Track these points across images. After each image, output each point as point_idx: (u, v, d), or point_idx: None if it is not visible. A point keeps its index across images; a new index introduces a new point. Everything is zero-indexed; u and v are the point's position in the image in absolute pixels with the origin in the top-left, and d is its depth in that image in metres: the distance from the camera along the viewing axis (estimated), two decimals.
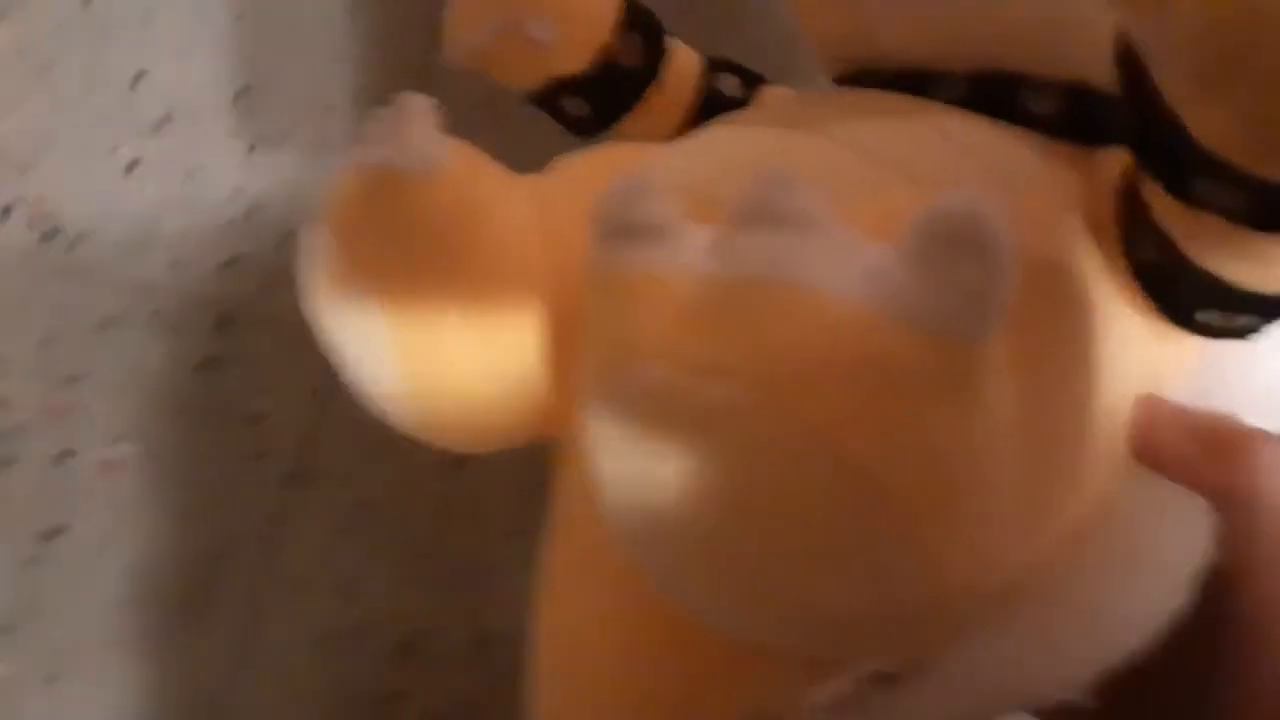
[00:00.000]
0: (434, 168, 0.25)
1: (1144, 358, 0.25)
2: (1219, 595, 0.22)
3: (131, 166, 0.58)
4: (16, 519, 0.57)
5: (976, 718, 0.22)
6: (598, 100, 0.32)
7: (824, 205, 0.18)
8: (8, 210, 0.56)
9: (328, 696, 0.60)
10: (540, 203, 0.28)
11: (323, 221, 0.26)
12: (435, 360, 0.26)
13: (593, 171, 0.29)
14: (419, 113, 0.26)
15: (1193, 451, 0.24)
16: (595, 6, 0.32)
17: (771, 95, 0.35)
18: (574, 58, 0.31)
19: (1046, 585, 0.21)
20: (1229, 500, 0.23)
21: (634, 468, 0.19)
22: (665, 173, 0.25)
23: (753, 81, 0.36)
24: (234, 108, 0.59)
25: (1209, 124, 0.17)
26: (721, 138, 0.27)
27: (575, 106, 0.33)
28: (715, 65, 0.36)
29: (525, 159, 0.30)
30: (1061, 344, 0.22)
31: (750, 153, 0.25)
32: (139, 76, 0.58)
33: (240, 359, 0.60)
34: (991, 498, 0.18)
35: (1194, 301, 0.22)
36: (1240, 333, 0.23)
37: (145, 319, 0.58)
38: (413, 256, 0.25)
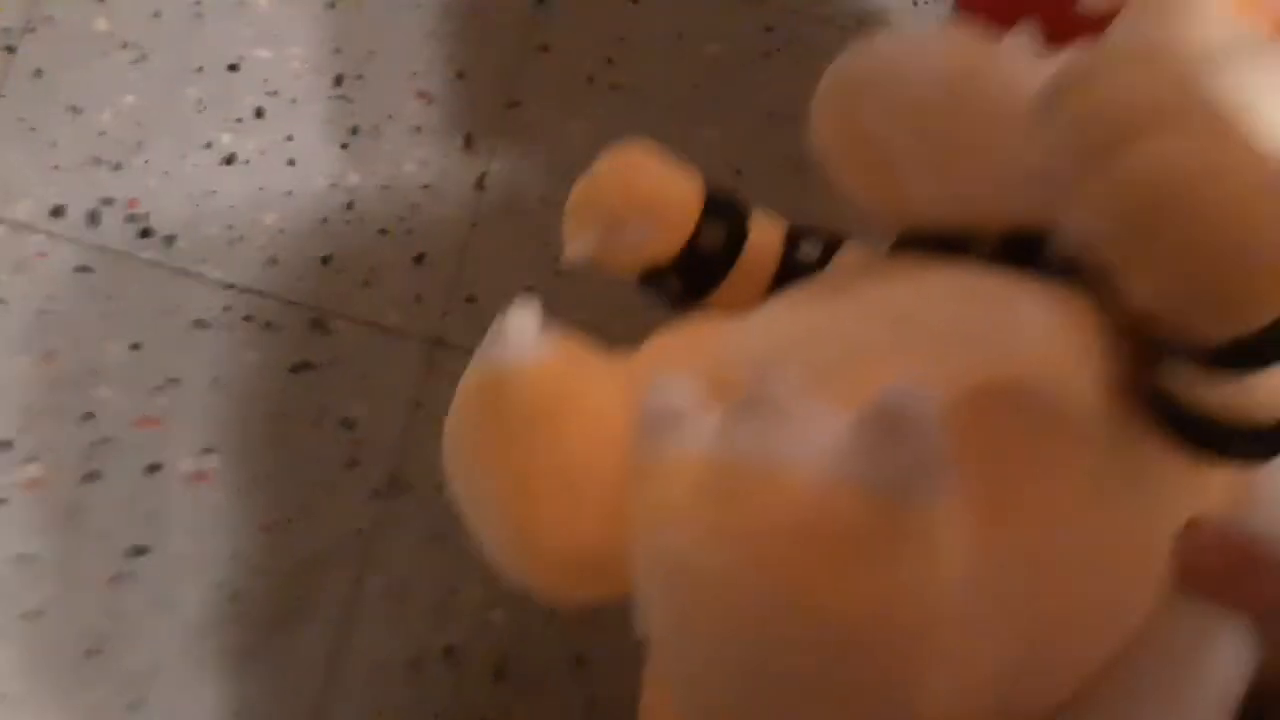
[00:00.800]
0: (530, 363, 0.29)
1: (1188, 488, 0.27)
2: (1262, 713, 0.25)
3: (229, 159, 0.56)
4: (103, 535, 0.54)
5: None
6: (690, 280, 0.37)
7: (806, 394, 0.21)
8: (101, 209, 0.54)
9: (419, 718, 0.56)
10: (630, 378, 0.31)
11: (452, 409, 0.31)
12: (534, 525, 0.30)
13: (673, 348, 0.33)
14: (524, 316, 0.31)
15: (1231, 573, 0.26)
16: (680, 205, 0.37)
17: (844, 259, 0.39)
18: (666, 248, 0.37)
19: (1091, 708, 0.25)
20: (1270, 620, 0.25)
21: (665, 619, 0.23)
22: (727, 350, 0.31)
23: (832, 244, 0.39)
24: (330, 96, 0.57)
25: (1139, 294, 0.21)
26: (781, 314, 0.32)
27: (672, 286, 0.38)
28: (796, 234, 0.40)
29: None
30: (1053, 490, 0.25)
31: (800, 328, 0.30)
32: (235, 65, 0.56)
33: (334, 362, 0.57)
34: (956, 634, 0.21)
35: (1218, 438, 0.25)
36: (1259, 459, 0.26)
37: (238, 320, 0.56)
38: (512, 438, 0.29)
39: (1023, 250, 0.28)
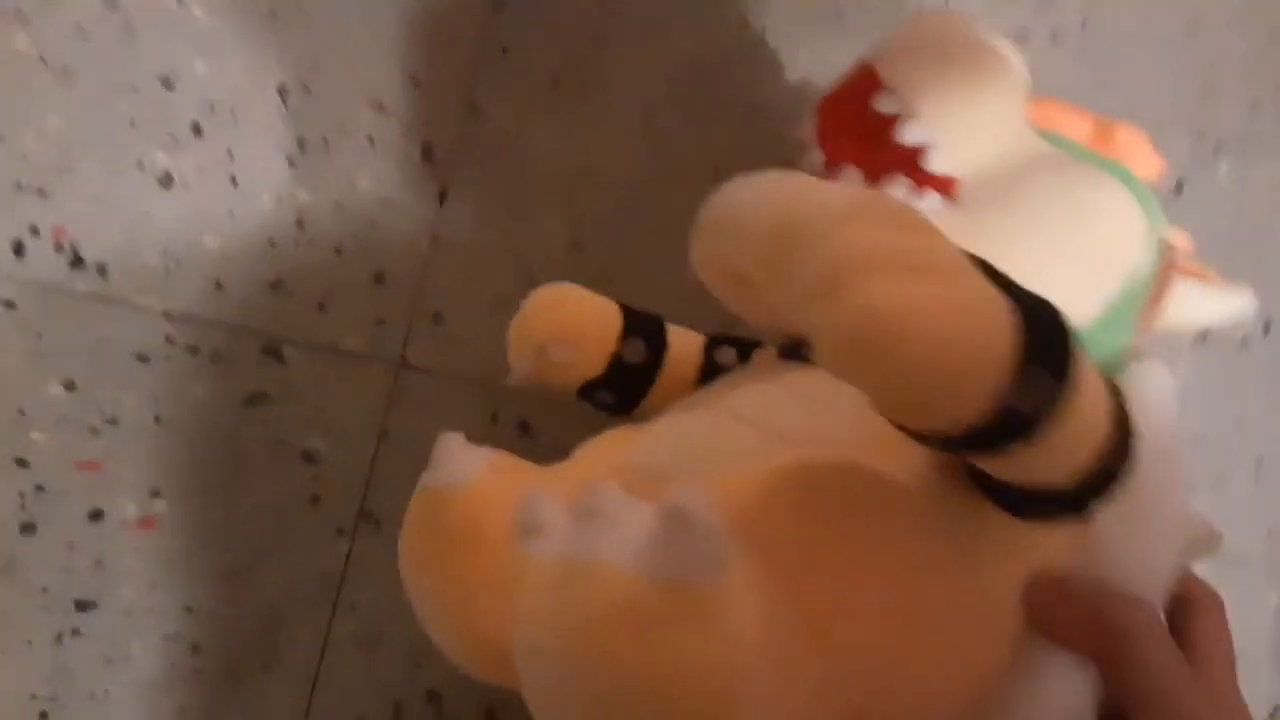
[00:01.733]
0: (462, 482, 0.34)
1: (1031, 544, 0.31)
2: None
3: (165, 180, 0.52)
4: (45, 590, 0.50)
5: None
6: (620, 391, 0.43)
7: (625, 502, 0.25)
8: (27, 238, 0.50)
9: None
10: (561, 484, 0.35)
11: (403, 524, 0.36)
12: (469, 625, 0.35)
13: (596, 455, 0.38)
14: (451, 443, 0.37)
15: (1079, 623, 0.29)
16: (599, 329, 0.42)
17: (757, 359, 0.44)
18: (593, 367, 0.42)
19: None
20: (1112, 665, 0.29)
21: (529, 696, 0.27)
22: (635, 454, 0.36)
23: (748, 348, 0.45)
24: (274, 109, 0.53)
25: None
26: (676, 423, 0.37)
27: (605, 398, 0.44)
28: (715, 342, 0.46)
29: None
30: (880, 555, 0.29)
31: (689, 436, 0.35)
32: (169, 80, 0.51)
33: (290, 392, 0.53)
34: (765, 688, 0.25)
35: (1017, 502, 0.28)
36: (1052, 517, 0.29)
37: (182, 352, 0.51)
38: (447, 548, 0.34)
39: None
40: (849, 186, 0.35)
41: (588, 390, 0.44)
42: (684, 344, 0.46)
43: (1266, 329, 0.67)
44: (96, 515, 0.50)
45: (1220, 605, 0.33)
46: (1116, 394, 0.28)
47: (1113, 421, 0.27)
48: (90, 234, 0.50)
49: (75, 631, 0.50)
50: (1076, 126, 0.40)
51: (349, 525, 0.53)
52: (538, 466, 0.38)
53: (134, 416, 0.51)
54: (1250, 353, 0.67)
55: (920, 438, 0.25)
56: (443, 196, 0.55)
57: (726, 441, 0.32)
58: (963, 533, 0.30)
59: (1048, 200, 0.34)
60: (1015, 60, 0.37)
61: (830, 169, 0.38)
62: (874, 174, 0.36)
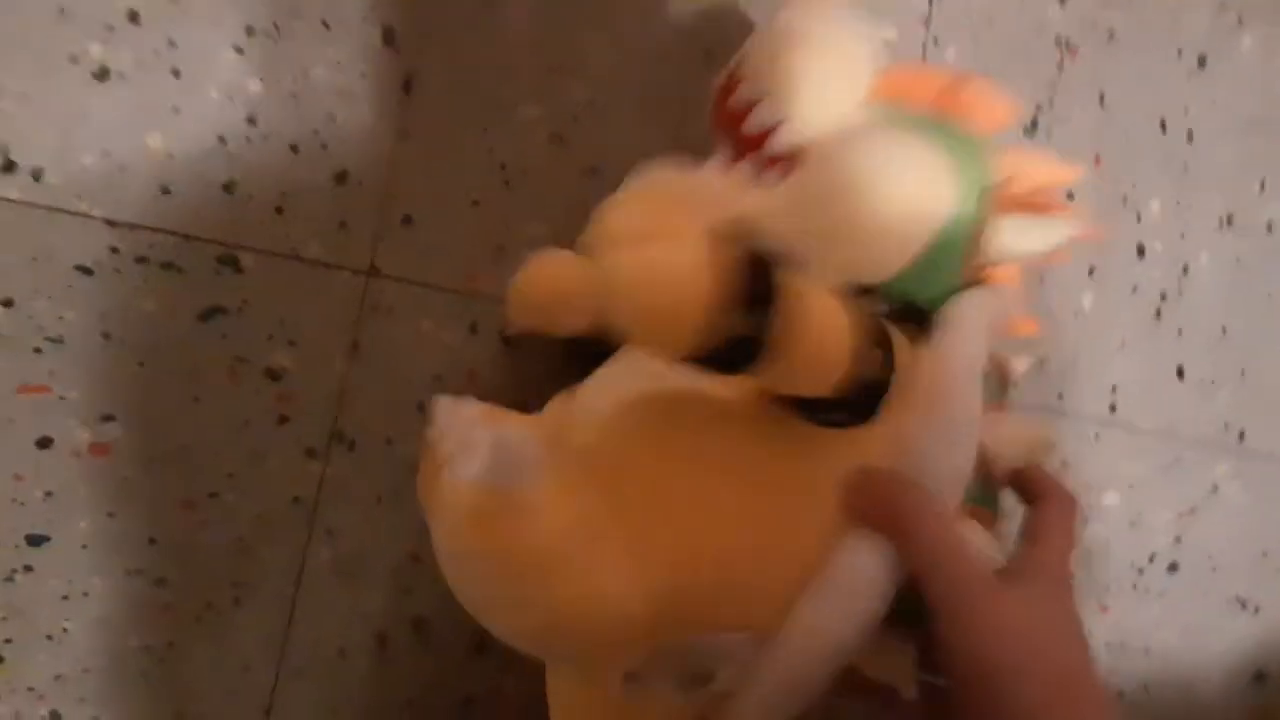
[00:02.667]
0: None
1: (847, 451, 0.38)
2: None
3: (101, 74, 0.47)
4: None
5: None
6: (605, 344, 0.43)
7: (485, 435, 0.33)
8: None
9: (385, 710, 0.49)
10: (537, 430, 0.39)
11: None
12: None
13: (558, 402, 0.43)
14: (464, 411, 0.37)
15: (874, 506, 0.36)
16: (585, 293, 0.42)
17: None
18: (578, 324, 0.43)
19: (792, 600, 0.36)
20: (898, 539, 0.35)
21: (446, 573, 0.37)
22: (579, 398, 0.42)
23: None
24: None
25: None
26: (604, 373, 0.42)
27: (589, 350, 0.45)
28: None
29: None
30: (711, 461, 0.37)
31: (608, 383, 0.42)
32: None
33: (250, 304, 0.48)
34: (580, 560, 0.34)
35: (809, 409, 0.36)
36: (841, 423, 0.37)
37: (130, 263, 0.47)
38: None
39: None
40: (662, 176, 0.43)
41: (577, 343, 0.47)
42: None
43: None
44: (45, 443, 0.46)
45: (1070, 504, 0.40)
46: (865, 319, 0.35)
47: (868, 341, 0.35)
48: (21, 136, 0.46)
49: (28, 568, 0.46)
50: (924, 89, 0.46)
51: (321, 446, 0.49)
52: (519, 415, 0.41)
53: (80, 334, 0.46)
54: (1276, 236, 0.63)
55: (692, 364, 0.32)
56: (407, 86, 0.50)
57: (623, 386, 0.39)
58: (788, 441, 0.37)
59: (851, 171, 0.40)
60: (863, 44, 0.43)
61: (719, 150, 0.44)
62: (738, 154, 0.42)
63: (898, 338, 0.38)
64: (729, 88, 0.43)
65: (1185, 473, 0.61)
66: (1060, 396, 0.59)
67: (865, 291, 0.40)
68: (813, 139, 0.41)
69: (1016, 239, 0.44)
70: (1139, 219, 0.61)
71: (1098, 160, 0.61)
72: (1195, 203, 0.62)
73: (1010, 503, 0.43)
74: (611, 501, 0.35)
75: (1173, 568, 0.60)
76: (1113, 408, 0.60)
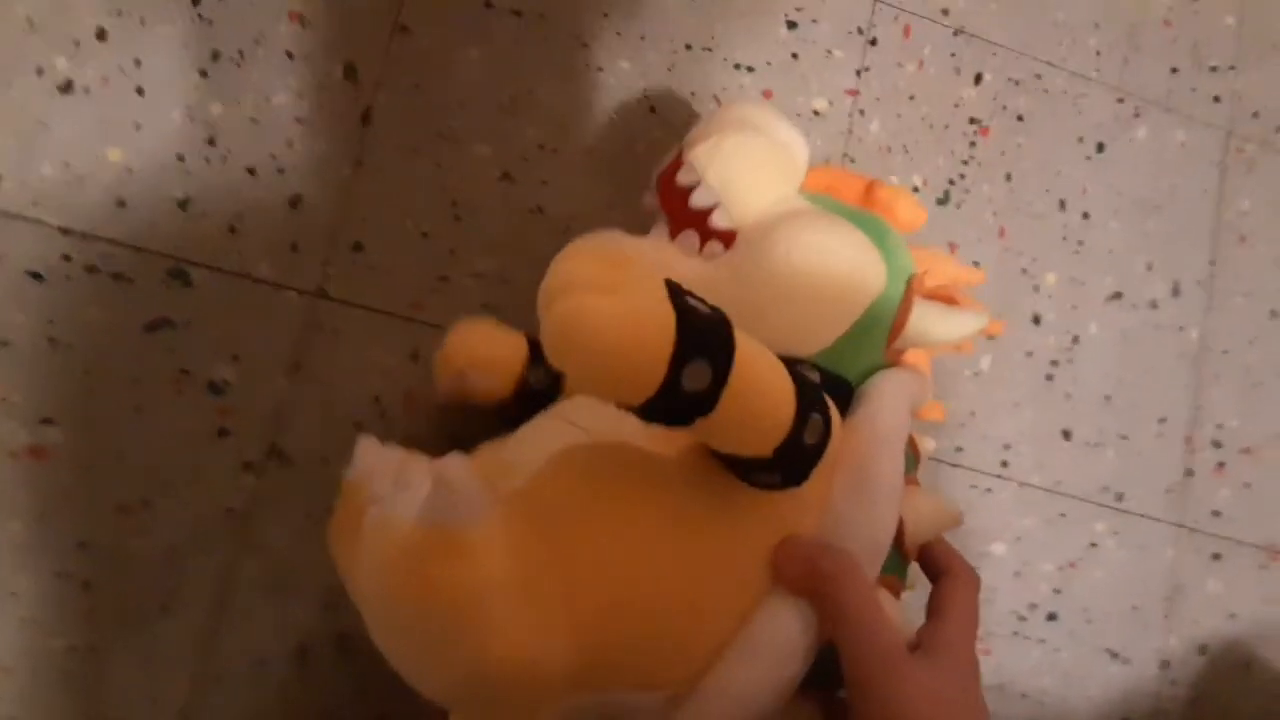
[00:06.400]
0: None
1: (779, 516, 0.39)
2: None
3: (65, 87, 0.48)
4: None
5: None
6: (528, 408, 0.45)
7: (423, 471, 0.32)
8: None
9: (298, 715, 0.50)
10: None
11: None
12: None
13: (488, 449, 0.42)
14: (383, 450, 0.38)
15: (800, 571, 0.38)
16: (507, 358, 0.47)
17: None
18: (503, 390, 0.47)
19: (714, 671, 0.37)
20: (820, 603, 0.38)
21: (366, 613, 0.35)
22: (507, 449, 0.41)
23: None
24: (186, 16, 0.49)
25: None
26: (531, 425, 0.43)
27: (514, 412, 0.46)
28: None
29: None
30: (636, 516, 0.37)
31: (535, 434, 0.41)
32: None
33: (197, 319, 0.50)
34: (513, 606, 0.32)
35: (740, 469, 0.37)
36: (775, 485, 0.38)
37: (80, 271, 0.48)
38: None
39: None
40: (615, 236, 0.44)
41: (502, 408, 0.48)
42: None
43: (1175, 290, 0.69)
44: None
45: (973, 581, 0.42)
46: (808, 385, 0.37)
47: (806, 405, 0.36)
48: None
49: None
50: (850, 187, 0.49)
51: (258, 460, 0.50)
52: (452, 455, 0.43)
53: (26, 338, 0.47)
54: (1160, 312, 0.69)
55: (642, 415, 0.33)
56: (365, 119, 0.52)
57: (555, 438, 0.39)
58: (720, 502, 0.38)
59: (792, 245, 0.42)
60: (796, 142, 0.47)
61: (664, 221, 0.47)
62: (681, 226, 0.45)
63: (833, 407, 0.40)
64: (675, 165, 0.46)
65: (1067, 528, 0.66)
66: (959, 449, 0.63)
67: (795, 363, 0.41)
68: (752, 218, 0.44)
69: (934, 325, 0.47)
70: (1036, 289, 0.66)
71: (1002, 232, 0.66)
72: (1088, 278, 0.68)
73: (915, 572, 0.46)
74: (545, 548, 0.35)
75: (1051, 617, 0.65)
76: (1004, 463, 0.64)
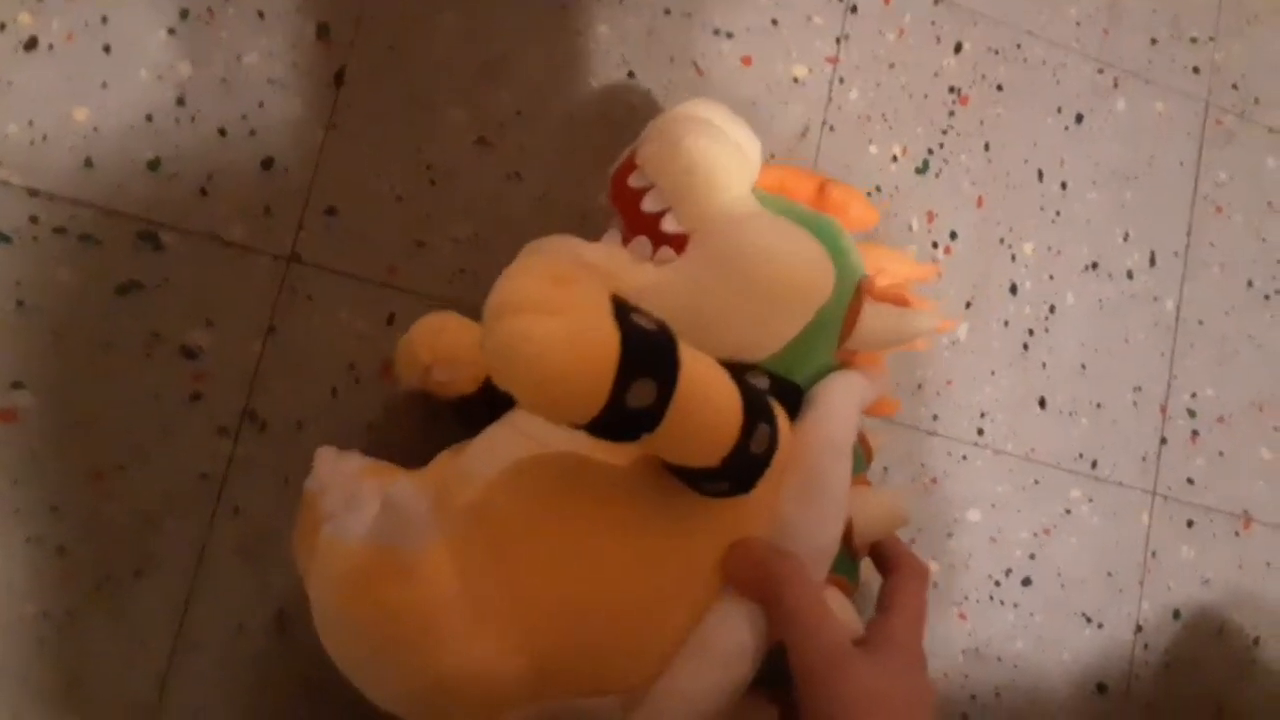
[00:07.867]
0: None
1: (730, 521, 0.40)
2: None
3: (29, 44, 0.47)
4: None
5: None
6: (492, 405, 0.44)
7: (372, 493, 0.36)
8: None
9: (280, 686, 0.50)
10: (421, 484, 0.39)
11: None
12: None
13: (444, 459, 0.44)
14: (342, 460, 0.44)
15: (749, 574, 0.39)
16: (473, 356, 0.47)
17: None
18: (467, 386, 0.47)
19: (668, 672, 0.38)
20: (768, 604, 0.39)
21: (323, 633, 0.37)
22: (462, 460, 0.42)
23: None
24: None
25: None
26: (485, 436, 0.43)
27: (479, 410, 0.46)
28: None
29: None
30: (591, 525, 0.38)
31: (489, 444, 0.42)
32: None
33: (168, 282, 0.49)
34: (462, 621, 0.34)
35: (690, 479, 0.37)
36: (724, 493, 0.38)
37: (48, 233, 0.47)
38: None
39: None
40: (557, 248, 0.45)
41: (466, 402, 0.48)
42: None
43: (1152, 261, 0.70)
44: None
45: (922, 575, 0.44)
46: (755, 395, 0.37)
47: (752, 415, 0.36)
48: None
49: None
50: (802, 185, 0.50)
51: (232, 425, 0.50)
52: (403, 470, 0.44)
53: None
54: (1136, 282, 0.69)
55: (589, 432, 0.33)
56: (339, 80, 0.52)
57: (509, 449, 0.40)
58: (670, 509, 0.39)
59: (742, 251, 0.43)
60: (750, 142, 0.47)
61: (617, 224, 0.47)
62: (634, 230, 0.45)
63: (780, 413, 0.40)
64: (628, 168, 0.46)
65: (1042, 495, 0.66)
66: (935, 418, 0.63)
67: (745, 368, 0.42)
68: (704, 222, 0.43)
69: (884, 326, 0.47)
70: (1013, 259, 0.66)
71: (980, 201, 0.66)
72: (1065, 247, 0.68)
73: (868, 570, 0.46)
74: (496, 561, 0.35)
75: (1026, 582, 0.65)
76: (980, 431, 0.65)
